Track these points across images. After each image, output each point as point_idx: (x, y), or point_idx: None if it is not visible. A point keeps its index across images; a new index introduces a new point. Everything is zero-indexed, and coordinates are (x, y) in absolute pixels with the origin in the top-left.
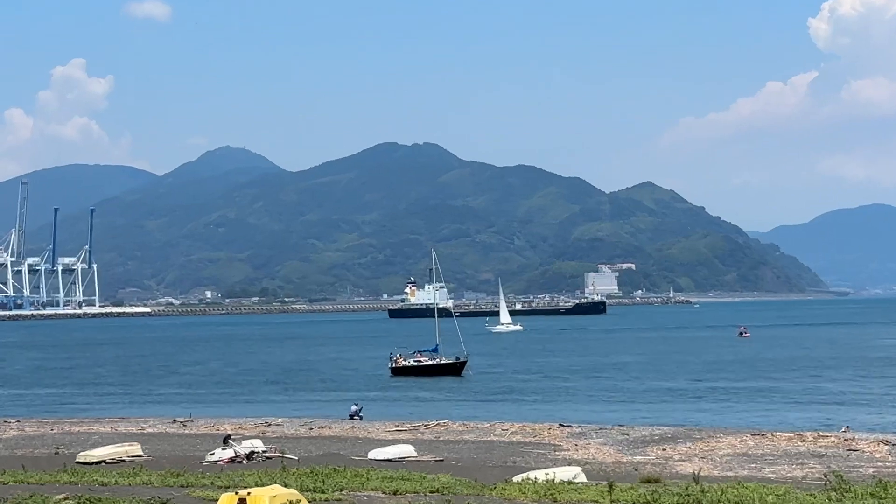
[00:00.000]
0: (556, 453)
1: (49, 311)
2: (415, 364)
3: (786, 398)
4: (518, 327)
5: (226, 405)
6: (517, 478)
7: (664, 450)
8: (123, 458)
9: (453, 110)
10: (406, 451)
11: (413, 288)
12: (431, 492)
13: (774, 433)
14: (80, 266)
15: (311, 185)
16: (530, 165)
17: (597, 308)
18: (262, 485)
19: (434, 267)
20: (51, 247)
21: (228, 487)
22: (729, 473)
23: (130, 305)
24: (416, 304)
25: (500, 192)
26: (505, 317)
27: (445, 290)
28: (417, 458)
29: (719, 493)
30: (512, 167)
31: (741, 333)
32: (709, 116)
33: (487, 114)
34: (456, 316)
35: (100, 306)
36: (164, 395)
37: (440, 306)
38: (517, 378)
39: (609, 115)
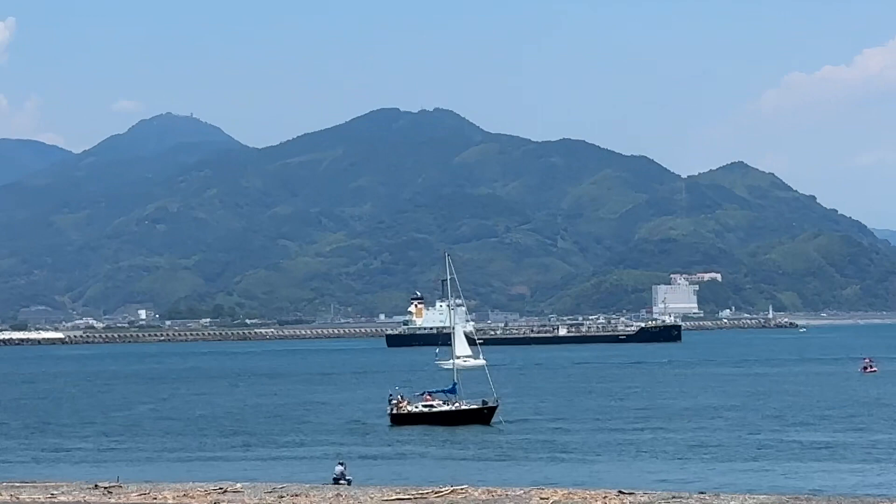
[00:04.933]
0: None
1: None
2: (424, 410)
3: None
4: (480, 361)
5: (166, 464)
6: None
7: None
8: None
9: (474, 65)
10: None
11: (420, 306)
12: None
13: None
14: None
15: (281, 167)
16: (579, 140)
17: (669, 333)
18: None
19: (449, 277)
20: None
21: None
22: None
23: (37, 329)
24: (425, 328)
25: (539, 175)
26: (462, 347)
27: (464, 308)
28: None
29: None
30: (554, 142)
31: (866, 368)
32: (823, 72)
33: (521, 71)
34: (479, 343)
35: None
36: (82, 450)
37: (458, 331)
38: (562, 427)
39: (687, 73)
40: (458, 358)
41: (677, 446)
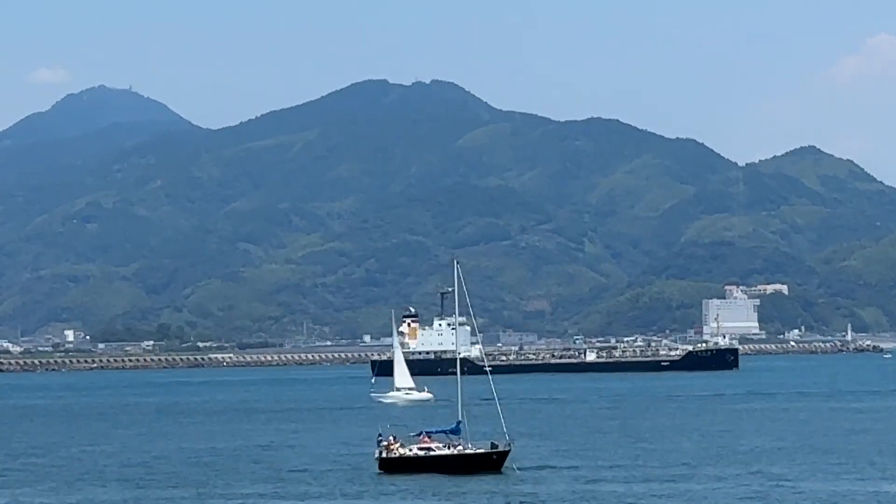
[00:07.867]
0: None
1: None
2: (420, 454)
3: None
4: (425, 395)
5: None
6: None
7: None
8: None
9: (480, 27)
10: None
11: (414, 325)
12: None
13: None
14: None
15: (242, 153)
16: (612, 119)
17: (723, 359)
18: None
19: (456, 289)
20: None
21: None
22: None
23: None
24: (420, 353)
25: (561, 163)
26: (403, 378)
27: (469, 328)
28: None
29: None
30: (580, 122)
31: None
32: None
33: (538, 34)
34: (489, 371)
35: None
36: None
37: (462, 356)
38: (589, 475)
39: (744, 36)
40: (399, 391)
41: (734, 499)
